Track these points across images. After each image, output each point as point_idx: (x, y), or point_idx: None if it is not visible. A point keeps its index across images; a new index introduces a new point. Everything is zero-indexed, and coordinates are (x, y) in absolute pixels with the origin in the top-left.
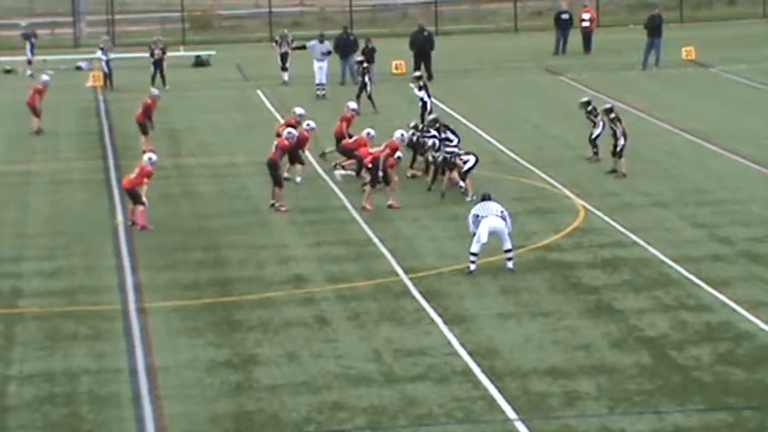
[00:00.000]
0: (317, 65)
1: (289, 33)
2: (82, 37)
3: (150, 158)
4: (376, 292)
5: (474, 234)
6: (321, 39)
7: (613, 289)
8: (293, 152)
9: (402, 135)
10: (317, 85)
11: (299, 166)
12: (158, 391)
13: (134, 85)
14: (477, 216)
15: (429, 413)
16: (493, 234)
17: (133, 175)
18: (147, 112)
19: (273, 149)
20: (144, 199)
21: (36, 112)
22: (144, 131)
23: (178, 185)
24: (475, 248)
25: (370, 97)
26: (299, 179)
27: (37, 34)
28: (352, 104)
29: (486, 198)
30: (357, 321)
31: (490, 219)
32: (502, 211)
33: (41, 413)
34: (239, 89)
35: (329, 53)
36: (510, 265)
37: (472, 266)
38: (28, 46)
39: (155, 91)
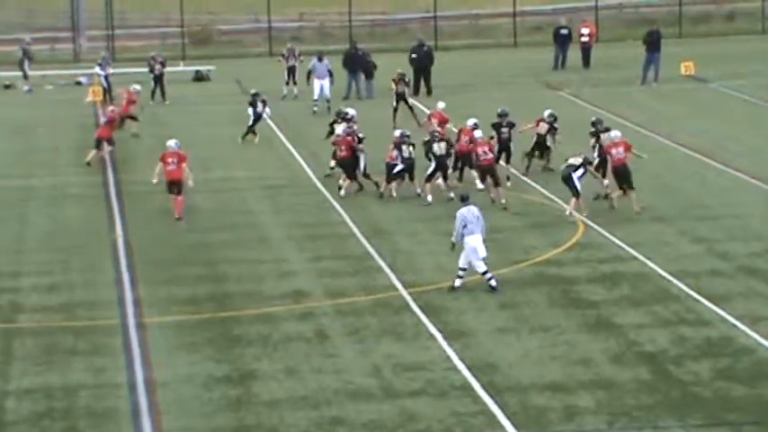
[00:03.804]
0: (317, 82)
1: (296, 47)
2: (81, 52)
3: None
4: (375, 306)
5: (459, 236)
6: (320, 57)
7: (613, 304)
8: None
9: (475, 123)
10: (314, 100)
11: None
12: (157, 406)
13: None
14: (465, 225)
15: (428, 428)
16: (474, 253)
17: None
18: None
19: (343, 151)
20: (190, 183)
21: (133, 117)
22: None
23: None
24: (463, 263)
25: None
26: (342, 192)
27: (33, 49)
28: (441, 104)
29: (465, 199)
30: (356, 336)
31: (476, 237)
32: (478, 217)
33: (40, 428)
34: (239, 104)
35: (331, 74)
36: (492, 283)
37: (458, 282)
38: (26, 62)
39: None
